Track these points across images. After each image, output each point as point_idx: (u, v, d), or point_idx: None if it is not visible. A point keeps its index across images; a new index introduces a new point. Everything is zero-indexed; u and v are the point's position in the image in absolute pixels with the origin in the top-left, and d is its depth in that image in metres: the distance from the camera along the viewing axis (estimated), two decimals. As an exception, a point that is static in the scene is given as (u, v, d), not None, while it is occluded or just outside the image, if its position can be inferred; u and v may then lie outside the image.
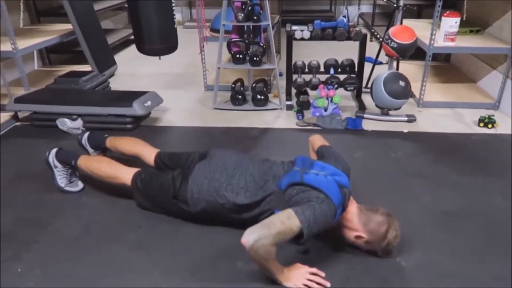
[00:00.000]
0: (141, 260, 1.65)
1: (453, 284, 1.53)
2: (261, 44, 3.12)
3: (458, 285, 1.52)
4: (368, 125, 2.87)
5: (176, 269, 1.60)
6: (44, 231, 1.82)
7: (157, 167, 2.05)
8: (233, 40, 3.14)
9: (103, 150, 2.28)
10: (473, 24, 3.41)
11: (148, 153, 2.08)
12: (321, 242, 1.75)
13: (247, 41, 3.11)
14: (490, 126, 2.79)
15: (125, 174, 1.90)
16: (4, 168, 2.36)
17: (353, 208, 1.65)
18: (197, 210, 1.76)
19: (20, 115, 3.03)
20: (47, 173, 2.09)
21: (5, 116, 2.96)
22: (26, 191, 2.12)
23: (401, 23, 3.20)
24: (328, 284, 1.51)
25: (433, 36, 2.97)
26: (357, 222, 1.61)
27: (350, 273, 1.58)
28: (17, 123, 2.98)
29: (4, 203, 2.03)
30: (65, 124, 2.79)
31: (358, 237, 1.61)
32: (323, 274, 1.54)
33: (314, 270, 1.55)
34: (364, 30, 3.58)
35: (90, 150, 2.30)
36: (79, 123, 2.81)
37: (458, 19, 2.95)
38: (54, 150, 2.08)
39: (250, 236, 1.38)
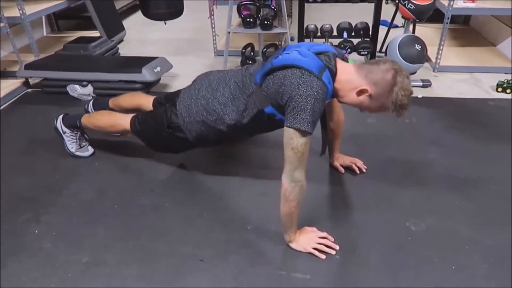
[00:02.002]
0: (156, 224, 1.68)
1: (463, 249, 1.53)
2: (272, 7, 3.02)
3: (469, 251, 1.52)
4: (381, 90, 2.80)
5: (189, 233, 1.63)
6: (60, 195, 1.86)
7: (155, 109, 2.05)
8: (243, 3, 3.04)
9: None
10: (495, -16, 3.24)
11: (147, 101, 2.09)
12: (331, 206, 1.76)
13: (257, 4, 3.01)
14: (508, 91, 2.71)
15: (124, 119, 1.92)
16: (17, 135, 2.39)
17: (347, 67, 1.48)
18: (192, 135, 1.74)
19: (31, 81, 3.03)
20: (58, 139, 2.11)
21: (16, 82, 2.97)
22: (40, 157, 2.15)
23: (419, -17, 3.05)
24: (337, 247, 1.52)
25: (452, -3, 2.84)
26: (356, 77, 1.43)
27: (360, 237, 1.58)
28: (28, 90, 2.99)
29: (20, 168, 2.07)
30: (75, 90, 2.79)
31: (360, 92, 1.43)
32: (332, 239, 1.55)
33: (324, 234, 1.56)
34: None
35: None
36: (89, 89, 2.80)
37: (480, -22, 2.81)
38: (60, 116, 2.09)
39: (285, 176, 1.40)
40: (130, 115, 1.94)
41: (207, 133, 1.71)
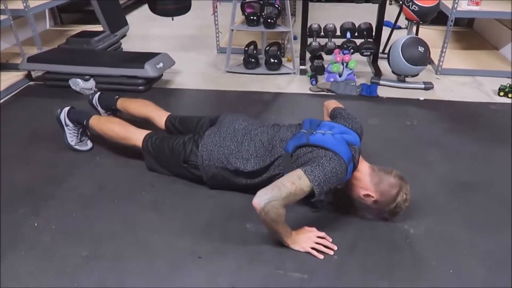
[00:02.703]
0: (154, 219, 1.69)
1: (461, 253, 1.53)
2: (276, 6, 3.01)
3: (466, 255, 1.52)
4: (383, 92, 2.81)
5: (188, 229, 1.63)
6: (60, 189, 1.86)
7: (167, 130, 2.05)
8: (247, 0, 3.04)
9: (113, 111, 2.29)
10: (500, -13, 3.23)
11: (159, 116, 2.08)
12: (330, 206, 1.76)
13: (261, 2, 3.01)
14: (510, 95, 2.70)
15: (137, 136, 1.91)
16: (18, 127, 2.39)
17: (365, 166, 1.63)
18: (207, 176, 1.77)
19: (33, 74, 3.03)
20: (61, 133, 2.11)
21: (18, 75, 2.97)
22: (41, 150, 2.15)
23: (424, -15, 3.05)
24: (335, 248, 1.52)
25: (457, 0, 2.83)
26: (369, 181, 1.59)
27: (358, 238, 1.59)
28: (31, 83, 3.00)
29: (20, 160, 2.07)
30: (77, 84, 2.79)
31: (367, 195, 1.59)
32: (330, 239, 1.56)
33: (322, 234, 1.56)
34: (384, -8, 3.42)
35: (101, 110, 2.30)
36: (91, 83, 2.80)
37: (485, -19, 2.80)
38: (66, 109, 2.09)
39: (261, 198, 1.38)
40: (143, 132, 1.92)
41: (222, 178, 1.75)
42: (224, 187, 1.80)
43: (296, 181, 1.42)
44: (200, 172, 1.77)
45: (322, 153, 1.52)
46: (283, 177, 1.48)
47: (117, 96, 2.27)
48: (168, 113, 2.09)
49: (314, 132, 1.63)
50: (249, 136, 1.74)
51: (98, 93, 2.33)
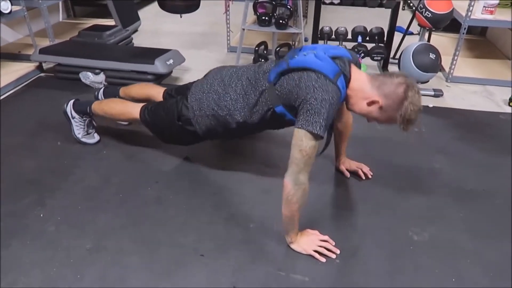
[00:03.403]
0: (158, 214, 1.70)
1: (464, 261, 1.52)
2: (288, 7, 3.01)
3: (470, 264, 1.51)
4: (392, 97, 2.79)
5: (191, 226, 1.64)
6: (66, 180, 1.88)
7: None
8: (259, 0, 3.04)
9: None
10: (515, -3, 3.20)
11: (158, 92, 2.10)
12: (334, 210, 1.75)
13: (274, 2, 3.00)
14: (521, 106, 2.68)
15: (134, 108, 1.94)
16: (28, 117, 2.41)
17: (361, 76, 1.49)
18: (202, 129, 1.75)
19: (45, 66, 3.06)
20: (68, 124, 2.13)
21: (29, 66, 3.00)
22: (48, 141, 2.17)
23: (438, -9, 3.02)
24: (338, 251, 1.52)
25: (471, 7, 2.81)
26: (369, 87, 1.46)
27: (361, 242, 1.58)
28: (42, 74, 3.02)
29: (28, 151, 2.09)
30: (88, 77, 2.81)
31: (371, 102, 1.45)
32: (333, 243, 1.55)
33: (325, 237, 1.56)
34: (397, -3, 3.41)
35: None
36: (101, 77, 2.82)
37: (500, -10, 2.78)
38: (71, 101, 2.11)
39: (289, 178, 1.39)
40: (140, 104, 1.95)
41: (217, 127, 1.72)
42: (220, 137, 1.79)
43: (302, 146, 1.37)
44: (194, 126, 1.75)
45: (304, 75, 1.41)
46: (291, 151, 1.40)
47: (119, 87, 2.31)
48: (166, 88, 2.11)
49: (295, 56, 1.51)
50: (236, 77, 1.69)
51: (102, 87, 2.37)
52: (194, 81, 1.93)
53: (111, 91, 2.32)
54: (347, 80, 1.47)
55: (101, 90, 2.35)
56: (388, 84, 1.43)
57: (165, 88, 2.11)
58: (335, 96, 1.40)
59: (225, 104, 1.66)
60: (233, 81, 1.68)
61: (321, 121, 1.36)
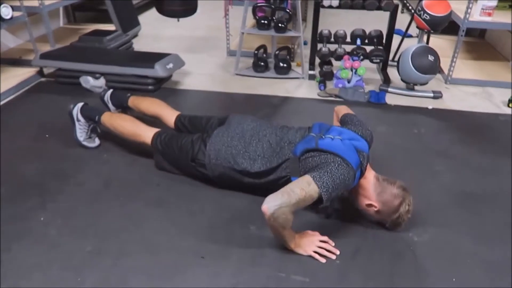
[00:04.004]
0: (159, 217, 1.70)
1: (464, 263, 1.52)
2: (287, 10, 3.03)
3: (470, 265, 1.51)
4: (391, 99, 2.80)
5: (192, 229, 1.65)
6: (67, 184, 1.89)
7: (177, 129, 2.07)
8: (259, 4, 3.06)
9: (124, 109, 2.31)
10: (513, -1, 3.22)
11: (169, 115, 2.10)
12: (338, 212, 1.76)
13: (273, 6, 3.02)
14: (520, 107, 2.69)
15: (146, 133, 1.93)
16: (29, 122, 2.43)
17: (370, 175, 1.62)
18: (214, 174, 1.78)
19: (45, 71, 3.08)
20: (70, 129, 2.14)
21: (30, 71, 3.02)
22: (50, 145, 2.18)
23: (436, -6, 3.04)
24: (338, 252, 1.53)
25: (469, 10, 2.82)
26: (372, 190, 1.59)
27: (361, 243, 1.59)
28: (42, 79, 3.04)
29: (30, 155, 2.10)
30: (88, 82, 2.81)
31: (369, 205, 1.59)
32: (333, 243, 1.56)
33: (325, 238, 1.57)
34: (396, 0, 3.43)
35: (112, 107, 2.33)
36: (102, 81, 2.82)
37: (497, -8, 2.79)
38: (80, 104, 2.12)
39: (271, 204, 1.38)
40: (153, 130, 1.94)
41: (229, 178, 1.76)
42: (231, 186, 1.81)
43: (305, 187, 1.42)
44: (207, 170, 1.78)
45: (331, 158, 1.52)
46: (292, 183, 1.47)
47: (129, 94, 2.30)
48: (178, 112, 2.11)
49: (323, 137, 1.62)
50: (257, 137, 1.75)
51: (111, 90, 2.36)
52: (209, 118, 1.96)
53: (119, 96, 2.31)
54: (362, 175, 1.59)
55: (108, 93, 2.34)
56: (388, 194, 1.57)
57: (177, 113, 2.10)
58: (350, 183, 1.51)
59: (242, 161, 1.71)
60: (254, 140, 1.73)
61: (330, 187, 1.43)
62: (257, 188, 1.71)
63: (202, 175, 1.83)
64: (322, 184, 1.43)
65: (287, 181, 1.62)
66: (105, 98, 2.33)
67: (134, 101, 2.25)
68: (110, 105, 2.33)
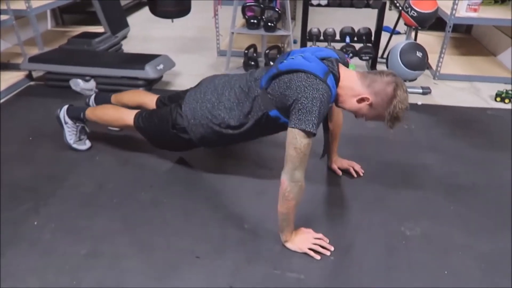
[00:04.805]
0: (154, 219, 1.70)
1: (456, 255, 1.55)
2: (277, 9, 3.04)
3: (462, 257, 1.54)
4: (381, 96, 2.83)
5: (186, 229, 1.65)
6: (60, 187, 1.88)
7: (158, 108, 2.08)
8: (248, 4, 3.06)
9: None
10: (499, -6, 3.27)
11: (150, 100, 2.11)
12: (327, 208, 1.78)
13: (262, 5, 3.03)
14: (507, 101, 2.73)
15: (128, 115, 1.95)
16: (19, 126, 2.40)
17: (351, 74, 1.53)
18: (197, 137, 1.77)
19: (34, 74, 3.05)
20: (61, 132, 2.13)
21: (19, 75, 2.99)
22: (41, 149, 2.17)
23: (423, -9, 3.08)
24: (332, 248, 1.54)
25: (455, 6, 2.87)
26: (360, 85, 1.50)
27: (355, 239, 1.61)
28: (31, 83, 3.01)
29: (21, 159, 2.09)
30: (78, 84, 2.79)
31: (361, 100, 1.50)
32: (327, 240, 1.57)
33: (319, 235, 1.58)
34: (383, -2, 3.46)
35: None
36: (92, 84, 2.81)
37: (483, -12, 2.84)
38: (65, 107, 2.12)
39: (286, 176, 1.41)
40: (134, 111, 1.96)
41: (212, 135, 1.74)
42: (215, 145, 1.82)
43: (296, 144, 1.40)
44: (189, 134, 1.77)
45: (294, 77, 1.44)
46: (286, 149, 1.43)
47: (111, 94, 2.32)
48: (158, 95, 2.12)
49: (285, 60, 1.55)
50: (228, 86, 1.72)
51: (93, 94, 2.37)
52: (187, 89, 1.94)
53: (103, 97, 2.33)
54: (337, 78, 1.51)
55: (92, 97, 2.36)
56: (378, 82, 1.48)
57: (157, 96, 2.12)
58: (326, 94, 1.44)
59: (219, 113, 1.69)
60: (226, 90, 1.71)
61: (313, 119, 1.39)
62: (243, 139, 1.71)
63: (186, 143, 1.82)
64: (306, 125, 1.38)
65: (267, 117, 1.59)
66: (90, 103, 2.34)
67: (117, 97, 2.27)
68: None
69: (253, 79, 1.67)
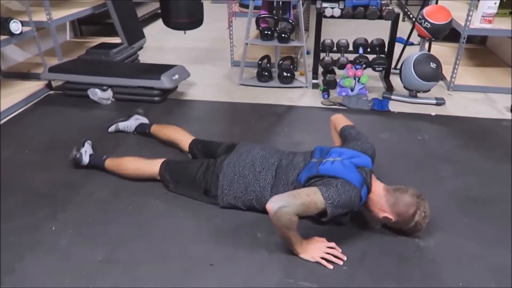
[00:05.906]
0: (168, 226, 1.73)
1: (471, 267, 1.53)
2: (290, 21, 3.08)
3: (477, 269, 1.52)
4: (394, 106, 2.83)
5: (200, 237, 1.67)
6: (77, 194, 1.92)
7: (191, 153, 2.13)
8: (262, 16, 3.12)
9: (145, 135, 2.41)
10: (513, 6, 3.26)
11: (185, 140, 2.17)
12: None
13: (276, 17, 3.08)
14: (523, 112, 2.71)
15: (152, 168, 1.95)
16: (38, 134, 2.47)
17: (379, 189, 1.63)
18: (224, 204, 1.81)
19: (54, 84, 3.13)
20: (78, 140, 2.18)
21: (39, 84, 3.08)
22: (59, 156, 2.21)
23: (437, 2, 3.10)
24: (345, 258, 1.54)
25: (469, 17, 2.86)
26: (384, 203, 1.60)
27: (368, 249, 1.60)
28: (51, 92, 3.10)
29: (40, 166, 2.15)
30: (95, 94, 2.87)
31: (385, 218, 1.61)
32: (340, 250, 1.58)
33: (332, 244, 1.59)
34: (397, 9, 3.48)
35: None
36: (109, 93, 2.89)
37: (497, 0, 2.83)
38: (87, 157, 2.09)
39: (275, 203, 1.42)
40: (157, 162, 1.95)
41: (240, 206, 1.79)
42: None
43: (311, 194, 1.46)
44: (218, 201, 1.81)
45: (333, 181, 1.53)
46: (299, 189, 1.51)
47: (150, 124, 2.42)
48: (193, 137, 2.17)
49: (324, 161, 1.65)
50: (266, 165, 1.77)
51: (136, 124, 2.45)
52: (220, 143, 2.01)
53: (143, 125, 2.43)
54: (368, 190, 1.60)
55: (133, 126, 2.44)
56: (401, 204, 1.58)
57: (192, 138, 2.15)
58: (356, 201, 1.52)
59: (253, 190, 1.74)
60: (264, 169, 1.76)
61: (336, 201, 1.47)
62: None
63: (210, 203, 1.86)
64: (328, 196, 1.46)
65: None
66: (129, 130, 2.45)
67: (156, 128, 2.36)
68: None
69: (292, 168, 1.72)
